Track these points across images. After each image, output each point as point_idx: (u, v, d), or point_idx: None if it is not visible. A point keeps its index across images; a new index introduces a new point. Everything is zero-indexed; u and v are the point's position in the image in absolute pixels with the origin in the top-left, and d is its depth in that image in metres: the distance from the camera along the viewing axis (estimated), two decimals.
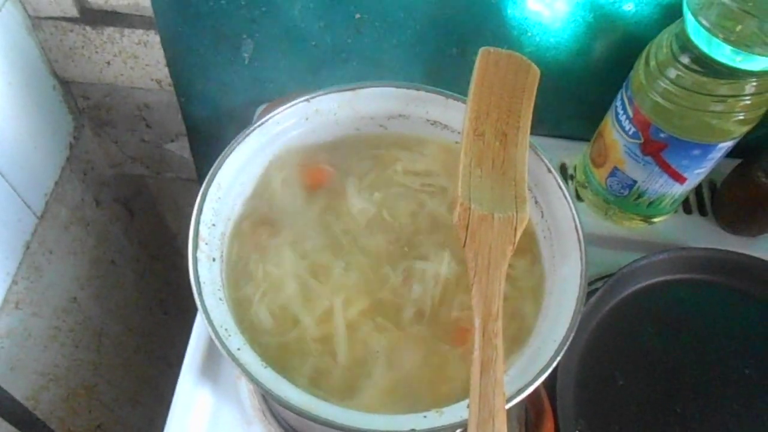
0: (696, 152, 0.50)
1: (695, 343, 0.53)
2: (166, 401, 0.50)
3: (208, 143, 0.74)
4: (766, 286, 0.55)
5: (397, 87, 0.44)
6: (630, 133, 0.52)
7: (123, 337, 0.92)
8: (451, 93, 0.44)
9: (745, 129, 0.49)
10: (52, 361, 0.76)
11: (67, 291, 0.77)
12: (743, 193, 0.58)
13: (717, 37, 0.42)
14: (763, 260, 0.56)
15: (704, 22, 0.43)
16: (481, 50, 0.43)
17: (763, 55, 0.42)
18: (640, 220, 0.60)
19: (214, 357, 0.52)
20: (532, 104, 0.42)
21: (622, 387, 0.51)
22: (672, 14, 0.50)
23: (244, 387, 0.52)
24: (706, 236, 0.61)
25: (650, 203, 0.57)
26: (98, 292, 0.84)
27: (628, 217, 0.60)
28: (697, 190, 0.64)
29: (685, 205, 0.63)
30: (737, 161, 0.60)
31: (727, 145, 0.50)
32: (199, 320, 0.53)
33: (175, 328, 1.07)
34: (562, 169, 0.65)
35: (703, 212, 0.63)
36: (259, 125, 0.42)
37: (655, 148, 0.51)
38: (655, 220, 0.60)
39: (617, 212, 0.60)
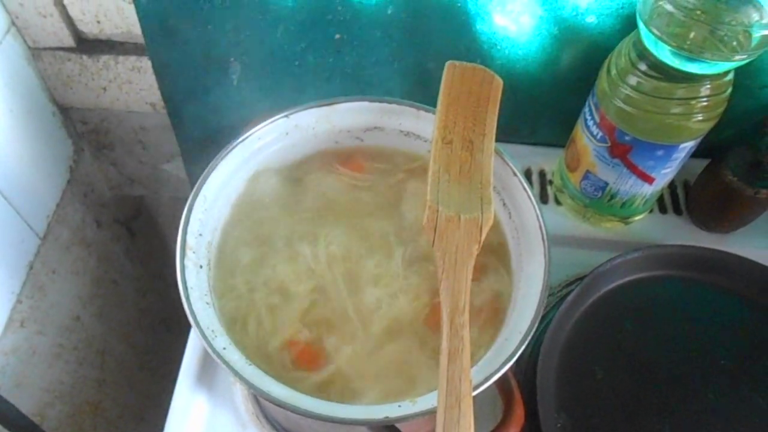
0: (660, 153, 0.53)
1: (671, 337, 0.55)
2: None
3: (201, 162, 0.77)
4: (739, 280, 0.57)
5: (371, 101, 0.47)
6: (598, 137, 0.55)
7: (126, 355, 0.94)
8: (421, 105, 0.47)
9: (704, 128, 0.51)
10: (57, 378, 0.78)
11: (70, 310, 0.80)
12: (713, 191, 0.60)
13: (667, 44, 0.45)
14: (734, 255, 0.57)
15: (655, 31, 0.46)
16: (447, 64, 0.46)
17: (713, 60, 0.45)
18: (617, 220, 0.62)
19: (210, 364, 0.54)
20: (497, 113, 0.45)
21: (601, 380, 0.53)
22: (631, 24, 0.52)
23: (239, 392, 0.54)
24: (681, 234, 0.63)
25: (623, 204, 0.59)
26: (101, 311, 0.86)
27: (605, 219, 0.62)
28: (673, 190, 0.67)
29: (661, 205, 0.66)
30: (708, 161, 0.62)
31: (689, 145, 0.52)
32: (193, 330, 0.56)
33: (177, 345, 1.09)
34: (541, 175, 0.67)
35: (677, 211, 0.65)
36: (241, 141, 0.45)
37: (622, 150, 0.54)
38: (631, 220, 0.63)
39: (594, 214, 0.62)
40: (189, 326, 0.54)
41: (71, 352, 0.80)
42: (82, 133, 0.80)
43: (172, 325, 1.09)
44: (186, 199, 0.42)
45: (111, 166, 0.85)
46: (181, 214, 0.41)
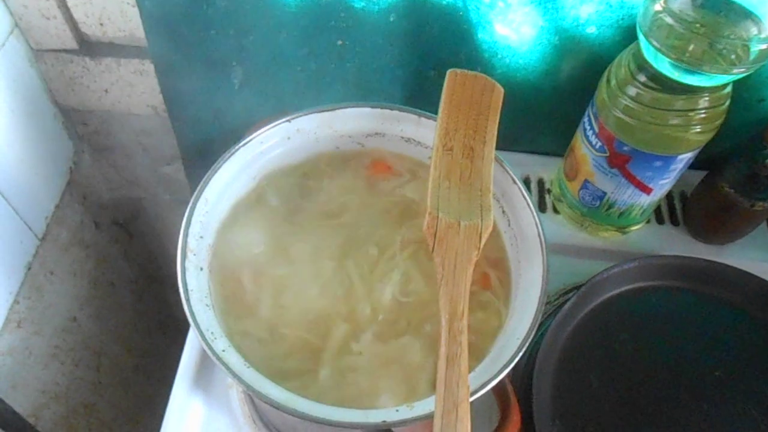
0: (658, 164, 0.53)
1: (666, 347, 0.55)
2: None
3: (201, 165, 0.77)
4: (735, 292, 0.57)
5: (372, 107, 0.48)
6: (597, 147, 0.55)
7: (122, 357, 0.94)
8: (423, 112, 0.47)
9: (702, 140, 0.52)
10: (52, 379, 0.78)
11: (68, 311, 0.80)
12: (710, 203, 0.61)
13: (666, 56, 0.46)
14: (730, 266, 0.58)
15: (655, 43, 0.46)
16: (449, 72, 0.46)
17: (711, 73, 0.46)
18: (615, 230, 0.63)
19: (207, 367, 0.54)
20: (497, 121, 0.45)
21: (596, 389, 0.53)
22: (631, 36, 0.53)
23: (235, 395, 0.54)
24: (678, 245, 0.63)
25: (620, 214, 0.60)
26: (98, 313, 0.87)
27: (603, 228, 0.63)
28: (670, 201, 0.67)
29: (658, 216, 0.66)
30: (706, 173, 0.63)
31: (687, 156, 0.53)
32: (192, 333, 0.56)
33: (173, 348, 1.09)
34: (540, 184, 0.68)
35: (675, 222, 0.66)
36: (244, 144, 0.45)
37: (621, 160, 0.54)
38: (629, 230, 0.63)
39: (592, 223, 0.63)
40: (185, 329, 0.55)
41: (67, 354, 0.80)
42: (83, 134, 0.80)
43: (169, 328, 1.09)
44: (185, 202, 0.42)
45: (111, 168, 0.85)
46: (180, 216, 0.42)
